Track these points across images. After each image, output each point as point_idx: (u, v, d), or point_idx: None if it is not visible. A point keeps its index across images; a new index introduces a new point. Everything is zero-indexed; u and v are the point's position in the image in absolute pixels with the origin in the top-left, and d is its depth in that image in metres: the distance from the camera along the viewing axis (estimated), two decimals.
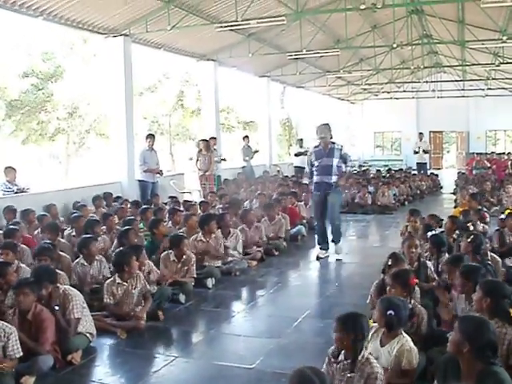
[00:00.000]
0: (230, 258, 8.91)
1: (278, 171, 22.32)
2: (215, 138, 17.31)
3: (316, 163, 9.83)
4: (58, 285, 5.78)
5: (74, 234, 9.12)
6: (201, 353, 5.76)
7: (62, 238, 8.90)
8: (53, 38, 24.60)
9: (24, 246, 7.95)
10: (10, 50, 25.12)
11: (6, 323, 4.91)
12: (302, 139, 22.58)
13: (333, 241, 10.05)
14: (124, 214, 10.86)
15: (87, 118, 27.37)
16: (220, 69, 19.28)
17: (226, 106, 31.44)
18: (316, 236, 10.32)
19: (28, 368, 4.92)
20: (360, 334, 3.94)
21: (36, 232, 9.31)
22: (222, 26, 14.02)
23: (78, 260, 7.43)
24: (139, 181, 14.20)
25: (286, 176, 20.15)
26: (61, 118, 26.81)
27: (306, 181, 10.08)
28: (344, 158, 9.87)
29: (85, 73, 25.55)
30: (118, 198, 12.98)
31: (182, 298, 7.29)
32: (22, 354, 4.85)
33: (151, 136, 14.58)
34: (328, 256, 9.93)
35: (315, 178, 9.94)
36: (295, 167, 21.62)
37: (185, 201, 13.04)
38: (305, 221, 12.60)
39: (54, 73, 25.77)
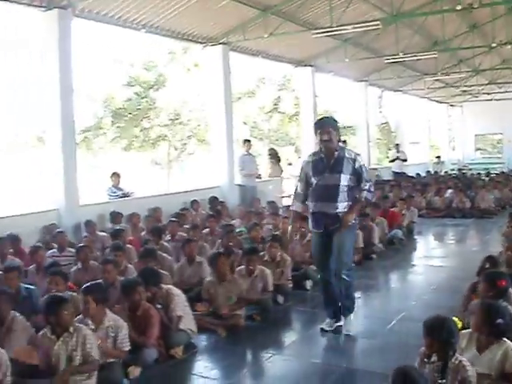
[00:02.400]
0: None
1: (377, 175, 22.22)
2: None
3: (313, 181, 6.15)
4: (162, 285, 6.12)
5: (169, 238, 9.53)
6: (297, 351, 5.92)
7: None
8: (154, 48, 25.50)
9: (130, 246, 8.41)
10: (114, 61, 26.27)
11: (119, 317, 5.26)
12: (398, 144, 22.38)
13: (344, 312, 6.37)
14: (223, 217, 11.20)
15: (188, 125, 28.12)
16: (317, 74, 19.40)
17: (324, 111, 31.49)
18: (323, 300, 6.53)
19: (135, 359, 5.27)
20: (449, 338, 3.83)
21: (142, 234, 9.78)
22: (317, 32, 14.14)
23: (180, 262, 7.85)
24: (239, 185, 14.56)
25: (384, 180, 20.05)
26: (162, 125, 27.70)
27: (292, 207, 6.63)
28: (358, 175, 6.08)
29: (186, 81, 26.32)
30: (221, 202, 13.29)
31: (280, 299, 7.49)
32: (130, 347, 5.19)
33: (247, 141, 14.96)
34: (341, 326, 6.31)
35: (311, 207, 6.25)
36: (393, 172, 21.44)
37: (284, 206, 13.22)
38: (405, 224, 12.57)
39: (156, 81, 26.68)
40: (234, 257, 8.01)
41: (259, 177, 14.72)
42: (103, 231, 9.92)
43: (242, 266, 7.36)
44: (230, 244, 8.46)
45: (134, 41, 23.26)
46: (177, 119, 27.78)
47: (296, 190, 6.42)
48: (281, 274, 7.82)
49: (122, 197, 12.29)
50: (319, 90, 20.45)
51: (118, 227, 9.75)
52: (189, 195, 13.34)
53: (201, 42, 14.42)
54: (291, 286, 7.92)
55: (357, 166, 6.04)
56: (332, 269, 6.14)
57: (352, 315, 6.35)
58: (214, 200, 13.22)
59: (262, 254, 7.98)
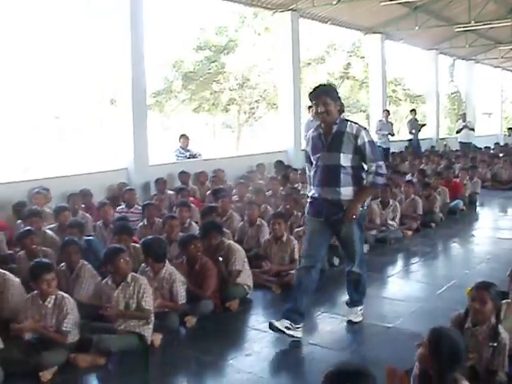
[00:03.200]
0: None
1: (445, 145, 21.97)
2: (388, 111, 17.81)
3: (313, 161, 5.37)
4: (224, 239, 6.51)
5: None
6: (346, 310, 6.17)
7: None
8: (225, 12, 25.76)
9: (193, 205, 8.81)
10: (185, 25, 26.72)
11: (175, 271, 5.65)
12: (464, 113, 22.01)
13: (349, 302, 5.80)
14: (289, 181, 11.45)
15: (257, 89, 28.36)
16: (387, 42, 19.26)
17: (394, 79, 31.13)
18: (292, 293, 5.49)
19: (191, 310, 5.66)
20: (495, 304, 3.92)
21: (208, 193, 10.18)
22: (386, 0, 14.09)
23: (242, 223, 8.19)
24: (305, 150, 14.66)
25: (452, 150, 19.86)
26: (232, 89, 28.05)
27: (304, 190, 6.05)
28: (361, 154, 5.11)
29: (256, 45, 26.51)
30: (288, 167, 13.48)
31: (336, 260, 7.73)
32: (185, 300, 5.58)
33: (312, 107, 15.01)
34: (293, 336, 5.21)
35: (311, 190, 5.43)
36: (460, 143, 21.18)
37: None
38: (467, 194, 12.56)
39: (226, 46, 26.99)
40: (295, 219, 8.30)
41: None
42: (172, 190, 10.37)
43: (301, 228, 7.65)
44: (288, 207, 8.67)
45: (205, 5, 23.55)
46: (246, 84, 28.04)
47: (306, 168, 5.63)
48: None
49: (188, 158, 12.72)
50: (389, 57, 20.33)
51: (183, 186, 10.23)
52: (255, 158, 13.67)
53: (270, 8, 14.59)
54: None
55: (359, 142, 5.05)
56: (318, 260, 5.34)
57: (360, 308, 5.71)
58: (279, 164, 13.47)
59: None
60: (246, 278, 6.41)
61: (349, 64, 30.50)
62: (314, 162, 5.29)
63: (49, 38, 26.29)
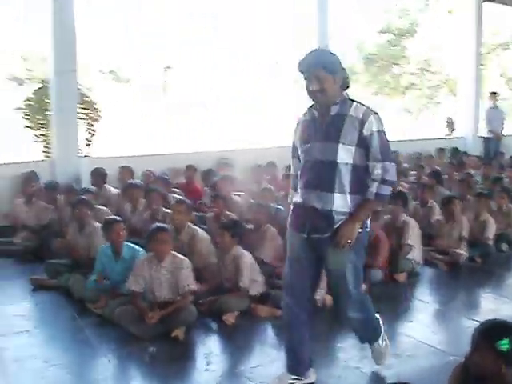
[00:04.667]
0: None
1: None
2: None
3: (300, 153, 3.91)
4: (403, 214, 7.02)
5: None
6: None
7: None
8: None
9: None
10: (370, 7, 26.81)
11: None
12: None
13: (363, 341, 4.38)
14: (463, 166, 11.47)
15: (438, 74, 27.94)
16: None
17: None
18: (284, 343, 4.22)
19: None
20: None
21: None
22: None
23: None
24: (482, 137, 14.56)
25: None
26: (413, 73, 27.87)
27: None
28: (366, 147, 3.65)
29: (438, 28, 26.10)
30: (464, 153, 13.41)
31: (504, 246, 7.81)
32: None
33: (494, 93, 14.73)
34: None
35: (297, 194, 3.94)
36: None
37: None
38: None
39: (409, 29, 26.82)
40: (467, 202, 8.47)
41: (498, 137, 14.24)
42: None
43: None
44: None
45: None
46: (426, 68, 27.71)
47: (291, 166, 4.14)
48: (508, 223, 8.14)
49: None
50: None
51: None
52: (432, 143, 13.76)
53: None
54: None
55: (365, 131, 3.60)
56: (305, 293, 3.93)
57: (381, 341, 4.31)
58: (455, 150, 13.46)
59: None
60: (417, 253, 6.79)
61: None
62: (302, 156, 3.83)
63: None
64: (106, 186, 8.62)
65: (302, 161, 3.87)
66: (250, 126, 24.92)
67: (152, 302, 5.16)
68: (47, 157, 9.76)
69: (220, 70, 28.53)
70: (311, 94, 3.71)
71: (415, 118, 30.73)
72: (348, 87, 3.82)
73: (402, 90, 28.94)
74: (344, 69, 3.76)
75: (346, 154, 3.62)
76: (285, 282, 4.05)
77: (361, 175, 3.70)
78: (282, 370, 4.06)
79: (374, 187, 3.66)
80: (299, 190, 3.86)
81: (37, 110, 10.04)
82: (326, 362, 4.52)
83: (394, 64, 27.73)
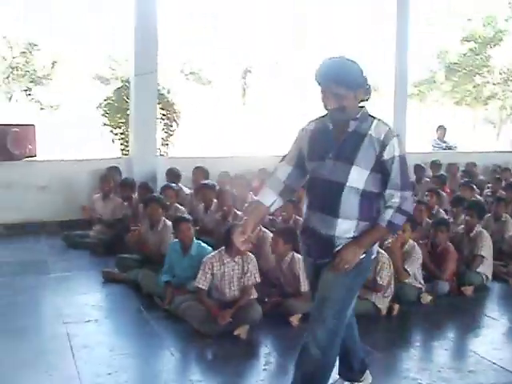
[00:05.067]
0: None
1: None
2: None
3: (309, 168, 3.47)
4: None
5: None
6: None
7: None
8: (496, 1, 24.95)
9: (444, 193, 9.08)
10: (452, 15, 26.33)
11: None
12: None
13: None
14: None
15: None
16: None
17: None
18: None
19: (428, 288, 6.11)
20: None
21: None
22: None
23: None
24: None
25: None
26: (496, 83, 27.18)
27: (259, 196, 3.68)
28: (385, 172, 3.25)
29: None
30: None
31: None
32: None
33: None
34: None
35: (304, 215, 3.58)
36: None
37: None
38: None
39: (494, 37, 26.15)
40: None
41: None
42: (428, 178, 10.64)
43: None
44: None
45: None
46: (510, 79, 26.98)
47: (274, 172, 3.60)
48: None
49: (444, 149, 12.93)
50: None
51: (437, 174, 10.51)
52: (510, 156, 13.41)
53: None
54: None
55: (386, 155, 3.20)
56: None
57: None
58: None
59: None
60: (487, 267, 6.65)
61: None
62: (310, 172, 3.45)
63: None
64: (180, 185, 8.83)
65: (308, 176, 3.47)
66: None
67: (219, 299, 5.29)
68: (125, 155, 10.09)
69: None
70: (330, 111, 3.26)
71: (497, 129, 29.97)
72: (369, 98, 3.32)
73: (484, 100, 28.25)
74: (366, 78, 3.27)
75: (357, 178, 3.22)
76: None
77: (371, 201, 3.31)
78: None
79: (388, 214, 3.26)
80: (306, 210, 3.49)
81: (116, 108, 10.39)
82: (385, 371, 4.52)
83: (477, 73, 27.10)
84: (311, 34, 28.93)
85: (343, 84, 3.14)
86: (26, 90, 28.12)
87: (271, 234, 6.24)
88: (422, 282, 6.10)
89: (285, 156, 3.57)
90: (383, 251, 5.76)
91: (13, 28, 26.25)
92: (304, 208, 3.51)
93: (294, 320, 5.32)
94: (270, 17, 28.33)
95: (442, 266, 6.28)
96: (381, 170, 3.23)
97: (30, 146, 9.12)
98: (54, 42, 27.91)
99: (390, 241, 6.03)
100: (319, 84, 3.23)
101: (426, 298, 6.03)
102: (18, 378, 4.22)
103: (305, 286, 5.42)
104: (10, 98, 28.87)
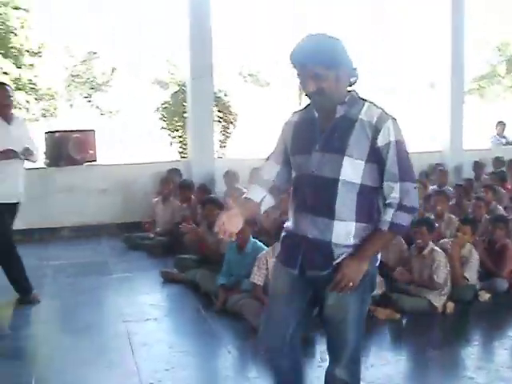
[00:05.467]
0: None
1: None
2: None
3: (292, 165, 2.98)
4: None
5: None
6: None
7: None
8: None
9: (502, 189, 8.92)
10: None
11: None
12: None
13: None
14: None
15: None
16: None
17: None
18: None
19: (487, 285, 6.04)
20: None
21: None
22: None
23: None
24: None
25: None
26: None
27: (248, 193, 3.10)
28: (381, 161, 2.72)
29: None
30: None
31: None
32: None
33: None
34: None
35: (289, 220, 3.03)
36: None
37: None
38: None
39: None
40: None
41: None
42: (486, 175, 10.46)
43: None
44: None
45: None
46: None
47: (260, 171, 3.13)
48: None
49: (504, 145, 12.68)
50: None
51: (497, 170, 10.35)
52: None
53: None
54: None
55: (380, 141, 2.70)
56: (286, 339, 2.97)
57: None
58: None
59: None
60: None
61: None
62: (295, 169, 2.96)
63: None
64: (238, 186, 8.93)
65: (294, 174, 2.96)
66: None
67: None
68: (183, 157, 10.25)
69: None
70: (308, 95, 2.80)
71: None
72: (356, 81, 2.83)
73: None
74: (350, 58, 2.77)
75: (352, 171, 2.71)
76: (263, 321, 3.11)
77: (371, 199, 2.80)
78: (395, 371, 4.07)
79: (389, 215, 2.74)
80: (290, 214, 2.98)
81: (173, 112, 10.58)
82: (441, 370, 4.50)
83: None
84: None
85: (321, 62, 2.65)
86: (86, 97, 28.84)
87: None
88: (478, 280, 6.03)
89: (271, 154, 3.11)
90: (439, 249, 5.74)
91: (74, 37, 27.00)
92: (290, 211, 2.98)
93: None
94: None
95: (501, 264, 6.18)
96: (377, 159, 2.72)
97: (90, 151, 9.39)
98: (113, 49, 28.55)
99: (449, 243, 6.02)
100: (294, 66, 2.76)
101: (484, 296, 5.94)
102: (80, 374, 4.37)
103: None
104: (72, 105, 29.64)
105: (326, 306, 2.87)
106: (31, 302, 5.91)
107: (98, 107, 28.62)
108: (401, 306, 5.49)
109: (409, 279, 5.81)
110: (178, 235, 7.70)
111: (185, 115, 10.15)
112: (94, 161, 9.52)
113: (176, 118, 10.52)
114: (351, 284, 2.74)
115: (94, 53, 28.50)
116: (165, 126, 10.61)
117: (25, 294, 5.96)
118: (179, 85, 11.41)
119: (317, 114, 2.84)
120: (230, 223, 2.83)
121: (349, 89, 2.81)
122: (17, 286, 5.97)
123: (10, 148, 5.64)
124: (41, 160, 6.85)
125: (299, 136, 2.90)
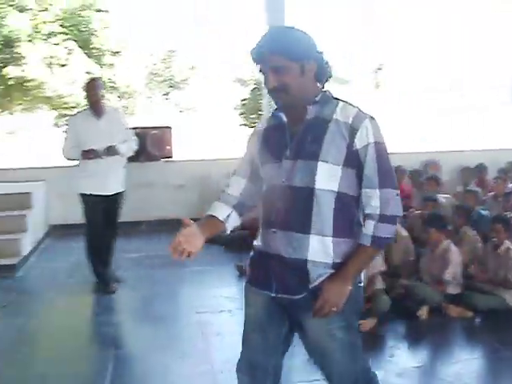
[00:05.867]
0: None
1: None
2: None
3: (262, 176, 2.64)
4: None
5: None
6: None
7: None
8: None
9: None
10: None
11: None
12: None
13: None
14: None
15: None
16: None
17: None
18: None
19: None
20: None
21: None
22: None
23: None
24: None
25: None
26: None
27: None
28: (359, 166, 2.42)
29: None
30: None
31: None
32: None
33: None
34: None
35: (258, 237, 2.71)
36: None
37: None
38: None
39: None
40: None
41: None
42: None
43: None
44: None
45: None
46: None
47: (226, 189, 2.80)
48: None
49: None
50: None
51: None
52: None
53: None
54: None
55: (357, 143, 2.40)
56: (267, 367, 2.73)
57: None
58: None
59: None
60: None
61: None
62: (265, 180, 2.63)
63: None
64: None
65: (264, 186, 2.64)
66: (457, 128, 24.24)
67: None
68: None
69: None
70: (270, 93, 2.46)
71: None
72: (329, 78, 2.55)
73: None
74: (321, 52, 2.47)
75: (328, 178, 2.41)
76: (243, 348, 2.83)
77: (350, 209, 2.50)
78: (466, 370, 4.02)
79: (369, 228, 2.44)
80: (260, 229, 2.66)
81: (251, 109, 10.71)
82: None
83: None
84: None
85: (281, 52, 2.35)
86: (165, 95, 29.48)
87: (401, 228, 6.23)
88: None
89: (237, 168, 2.78)
90: None
91: (154, 36, 27.66)
92: (259, 227, 2.67)
93: (423, 313, 5.30)
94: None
95: None
96: (356, 164, 2.42)
97: (167, 147, 9.63)
98: (192, 48, 29.10)
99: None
100: (255, 62, 2.46)
101: None
102: (154, 361, 4.53)
103: (449, 274, 5.50)
104: (151, 102, 30.35)
105: (308, 335, 2.58)
106: (108, 292, 6.17)
107: (177, 104, 29.20)
108: (474, 304, 5.41)
109: (485, 278, 5.69)
110: (254, 229, 7.80)
111: (260, 112, 10.27)
112: (171, 157, 9.75)
113: (254, 115, 10.63)
114: (334, 309, 2.43)
115: (173, 51, 29.09)
116: (243, 122, 10.72)
117: (106, 284, 6.24)
118: (256, 82, 11.52)
119: (285, 118, 2.53)
120: (188, 243, 2.58)
121: (323, 89, 2.55)
122: (99, 276, 6.30)
123: (93, 148, 5.85)
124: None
125: (268, 144, 2.59)
